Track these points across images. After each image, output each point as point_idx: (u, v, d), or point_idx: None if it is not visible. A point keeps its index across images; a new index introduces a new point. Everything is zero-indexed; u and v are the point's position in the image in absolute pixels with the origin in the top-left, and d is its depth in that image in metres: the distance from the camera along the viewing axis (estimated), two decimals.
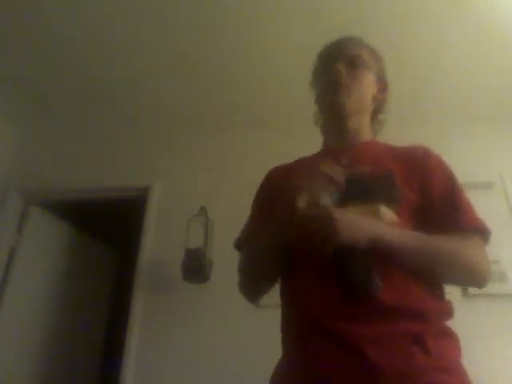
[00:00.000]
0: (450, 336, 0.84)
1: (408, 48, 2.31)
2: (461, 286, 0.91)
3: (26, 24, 2.20)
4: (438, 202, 0.92)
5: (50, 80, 2.56)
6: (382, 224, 0.84)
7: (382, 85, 1.10)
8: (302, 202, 0.82)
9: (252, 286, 1.04)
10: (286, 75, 2.47)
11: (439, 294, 0.89)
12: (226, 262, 2.27)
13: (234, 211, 2.40)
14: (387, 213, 0.86)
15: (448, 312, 0.87)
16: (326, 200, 0.82)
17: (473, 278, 0.90)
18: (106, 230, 3.25)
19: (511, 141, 2.65)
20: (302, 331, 0.85)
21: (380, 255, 0.80)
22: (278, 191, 0.95)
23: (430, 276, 0.86)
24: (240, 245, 1.08)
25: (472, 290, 2.15)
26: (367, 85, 1.05)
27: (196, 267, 2.31)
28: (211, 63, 2.45)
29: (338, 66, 1.02)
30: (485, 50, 2.32)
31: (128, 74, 2.53)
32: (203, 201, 2.53)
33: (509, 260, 2.24)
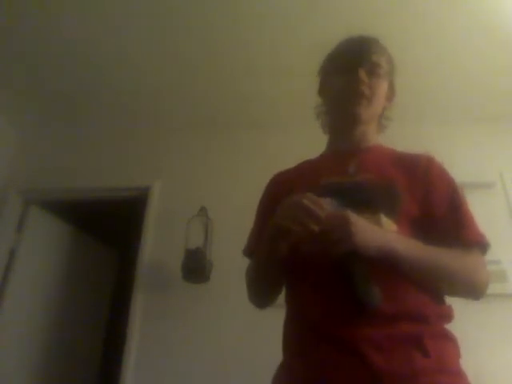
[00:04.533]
0: (449, 338, 0.85)
1: (408, 48, 2.31)
2: (458, 297, 0.91)
3: (26, 25, 2.20)
4: (439, 215, 0.92)
5: (50, 80, 2.56)
6: (391, 233, 0.84)
7: (391, 93, 1.11)
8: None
9: (259, 295, 1.05)
10: (285, 76, 2.47)
11: (439, 298, 0.89)
12: (226, 262, 2.29)
13: (234, 211, 2.41)
14: (387, 222, 0.86)
15: (448, 315, 0.87)
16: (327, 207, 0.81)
17: (472, 292, 0.91)
18: (106, 230, 3.25)
19: (511, 141, 2.65)
20: (303, 336, 0.86)
21: (384, 262, 0.80)
22: (281, 197, 0.95)
23: (430, 286, 0.86)
24: (249, 252, 1.08)
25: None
26: (382, 95, 1.05)
27: (196, 267, 2.31)
28: (211, 64, 2.45)
29: (361, 75, 0.99)
30: (485, 50, 2.32)
31: (128, 74, 2.53)
32: (203, 201, 2.53)
33: (509, 260, 2.24)
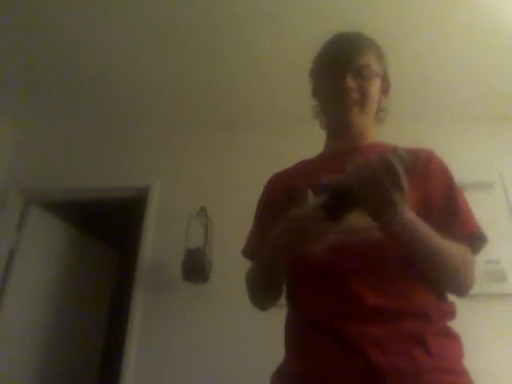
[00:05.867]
0: (451, 336, 0.84)
1: (408, 47, 2.31)
2: (448, 292, 0.91)
3: (26, 25, 2.19)
4: (437, 209, 0.91)
5: (51, 80, 2.56)
6: (415, 216, 0.81)
7: (386, 85, 1.09)
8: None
9: (261, 299, 1.04)
10: (286, 76, 2.47)
11: (442, 295, 0.89)
12: (226, 262, 2.29)
13: (234, 211, 2.41)
14: None
15: (450, 312, 0.87)
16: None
17: (463, 287, 0.90)
18: (106, 229, 3.25)
19: (511, 141, 2.65)
20: (304, 332, 0.86)
21: (399, 238, 0.79)
22: (279, 198, 0.95)
23: (428, 276, 0.85)
24: (248, 253, 1.08)
25: (471, 290, 2.15)
26: (375, 94, 1.03)
27: (196, 267, 2.31)
28: (212, 64, 2.45)
29: (348, 81, 0.97)
30: (485, 49, 2.32)
31: (128, 74, 2.53)
32: (203, 201, 2.53)
33: (509, 260, 2.24)
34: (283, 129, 2.72)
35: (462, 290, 0.90)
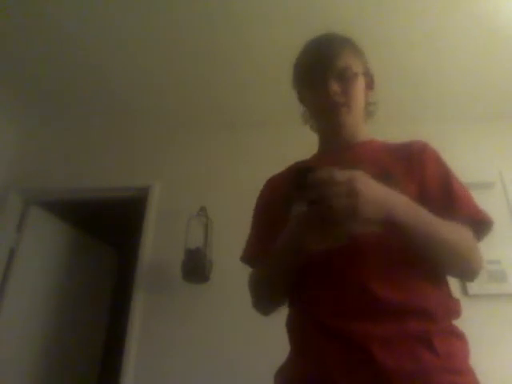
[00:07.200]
0: (457, 336, 0.83)
1: (408, 48, 2.31)
2: (455, 277, 0.89)
3: (27, 25, 2.20)
4: (433, 195, 0.90)
5: (51, 80, 2.56)
6: (394, 197, 0.76)
7: (369, 80, 1.09)
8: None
9: (265, 304, 1.02)
10: (285, 76, 2.47)
11: (446, 292, 0.88)
12: (226, 262, 2.29)
13: (234, 211, 2.41)
14: None
15: (456, 311, 0.86)
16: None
17: (469, 269, 0.87)
18: (106, 230, 3.25)
19: (511, 141, 2.65)
20: (307, 331, 0.85)
21: (385, 230, 0.74)
22: (276, 202, 0.94)
23: (429, 263, 0.83)
24: (246, 259, 1.06)
25: (472, 290, 2.15)
26: (360, 91, 1.03)
27: (196, 267, 2.31)
28: (212, 63, 2.45)
29: (332, 86, 0.98)
30: (485, 49, 2.33)
31: (128, 74, 2.53)
32: (203, 201, 2.53)
33: (509, 260, 2.25)
34: (283, 129, 2.72)
35: (469, 274, 0.88)
